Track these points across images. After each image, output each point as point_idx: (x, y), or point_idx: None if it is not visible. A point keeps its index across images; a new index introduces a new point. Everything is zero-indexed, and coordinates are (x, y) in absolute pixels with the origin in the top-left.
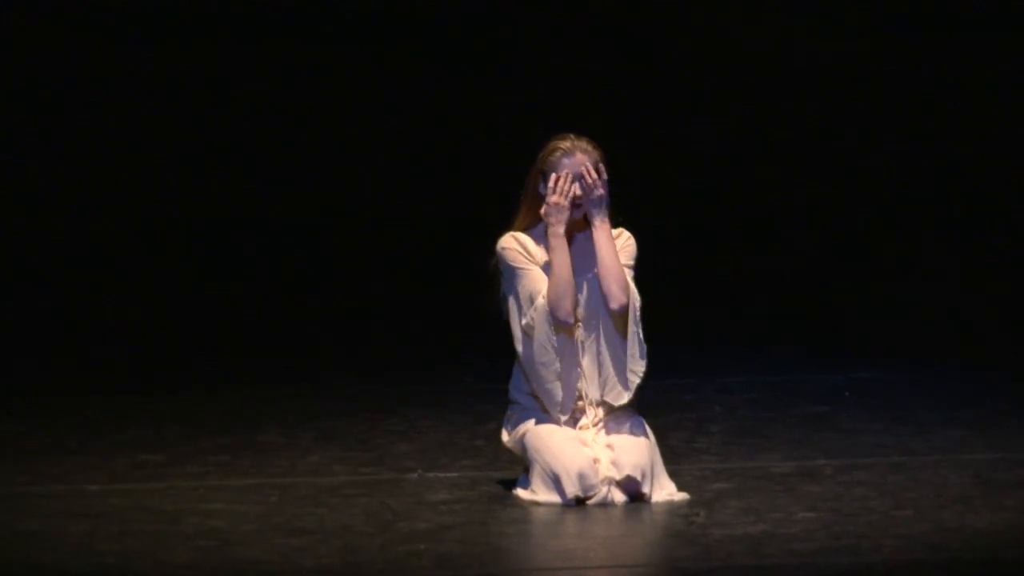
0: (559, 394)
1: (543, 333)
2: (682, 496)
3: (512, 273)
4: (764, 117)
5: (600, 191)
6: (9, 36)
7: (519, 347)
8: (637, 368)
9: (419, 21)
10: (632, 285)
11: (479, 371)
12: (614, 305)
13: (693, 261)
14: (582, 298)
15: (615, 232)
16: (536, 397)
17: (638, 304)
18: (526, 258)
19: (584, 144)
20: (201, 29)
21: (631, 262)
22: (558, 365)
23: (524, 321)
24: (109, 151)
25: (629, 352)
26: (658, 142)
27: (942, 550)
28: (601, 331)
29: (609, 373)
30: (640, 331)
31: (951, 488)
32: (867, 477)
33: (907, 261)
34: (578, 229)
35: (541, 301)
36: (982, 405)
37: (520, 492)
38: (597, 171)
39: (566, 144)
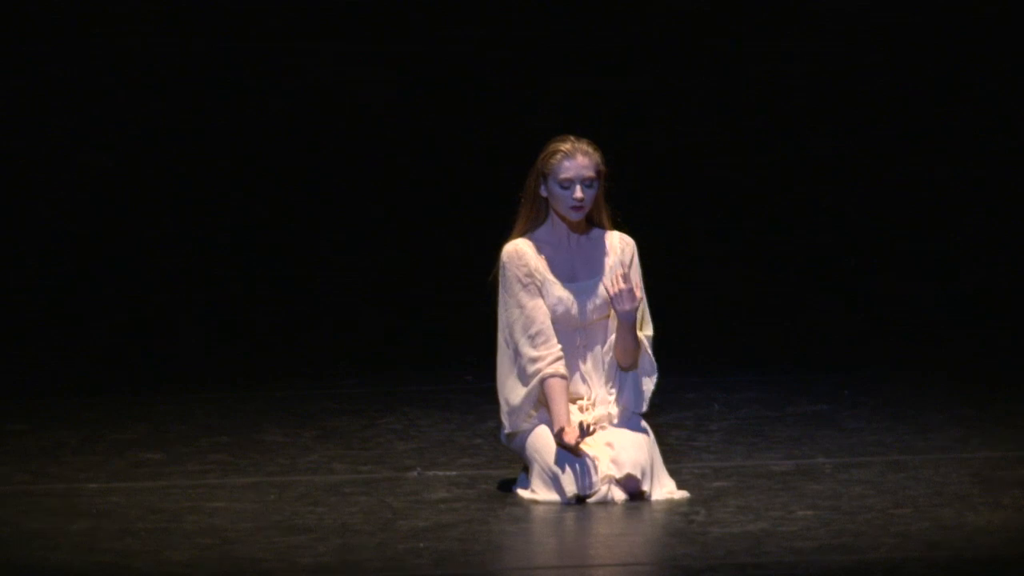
0: (520, 424)
1: (525, 408)
2: (682, 494)
3: (511, 295)
4: (761, 115)
5: (626, 306)
6: (8, 35)
7: (500, 364)
8: (648, 385)
9: (419, 21)
10: (648, 319)
11: (479, 370)
12: (622, 365)
13: (693, 260)
14: (585, 304)
15: (616, 235)
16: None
17: (650, 333)
18: (527, 279)
19: (585, 146)
20: (201, 30)
21: (640, 281)
22: (523, 427)
23: (522, 384)
24: (110, 150)
25: (641, 373)
26: (657, 139)
27: (941, 548)
28: (605, 345)
29: (621, 389)
30: (649, 350)
31: (950, 486)
32: (866, 475)
33: (907, 260)
34: (580, 232)
35: (538, 385)
36: (982, 404)
37: (520, 491)
38: (625, 278)
39: (566, 146)
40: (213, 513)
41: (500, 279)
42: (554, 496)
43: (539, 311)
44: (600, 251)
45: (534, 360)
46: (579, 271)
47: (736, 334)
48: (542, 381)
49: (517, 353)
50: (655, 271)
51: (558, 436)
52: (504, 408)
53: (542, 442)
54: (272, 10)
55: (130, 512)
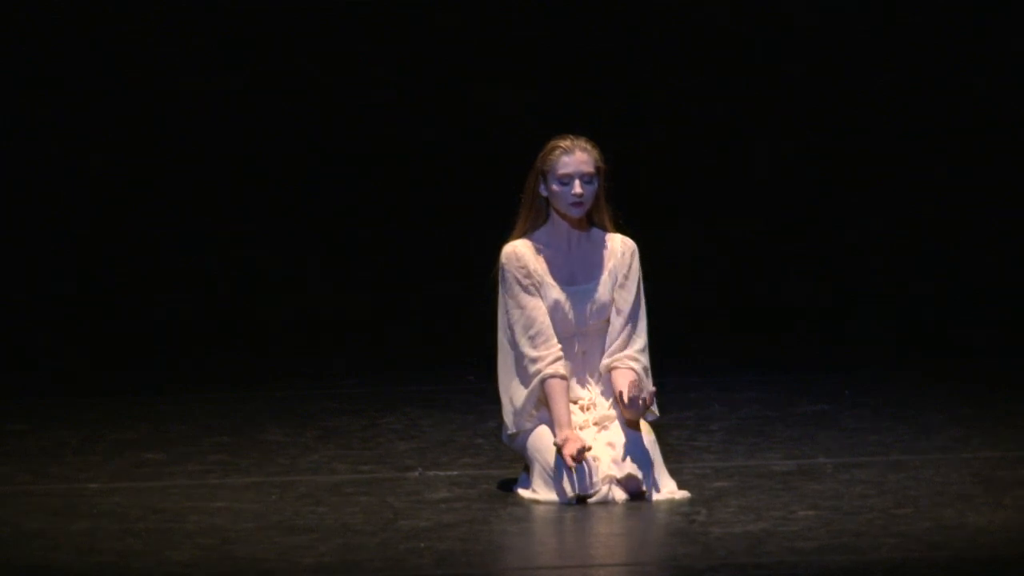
0: (524, 424)
1: (527, 408)
2: (683, 494)
3: (511, 295)
4: (762, 114)
5: (637, 413)
6: (6, 33)
7: (502, 365)
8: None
9: (418, 22)
10: (642, 330)
11: (480, 370)
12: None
13: (694, 259)
14: (582, 308)
15: (617, 237)
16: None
17: (642, 346)
18: (526, 280)
19: (583, 143)
20: (201, 32)
21: (637, 282)
22: (526, 426)
23: (523, 385)
24: (111, 152)
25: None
26: (656, 138)
27: (942, 548)
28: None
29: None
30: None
31: (951, 486)
32: (867, 475)
33: (907, 260)
34: (580, 231)
35: (538, 385)
36: (982, 404)
37: (521, 491)
38: (645, 392)
39: (565, 143)
40: (214, 513)
41: (499, 280)
42: (555, 496)
43: (539, 311)
44: (600, 254)
45: (534, 360)
46: (577, 274)
47: (736, 334)
48: (542, 381)
49: (519, 354)
50: (655, 271)
51: (558, 445)
52: (508, 408)
53: (543, 442)
54: (271, 9)
55: (131, 512)
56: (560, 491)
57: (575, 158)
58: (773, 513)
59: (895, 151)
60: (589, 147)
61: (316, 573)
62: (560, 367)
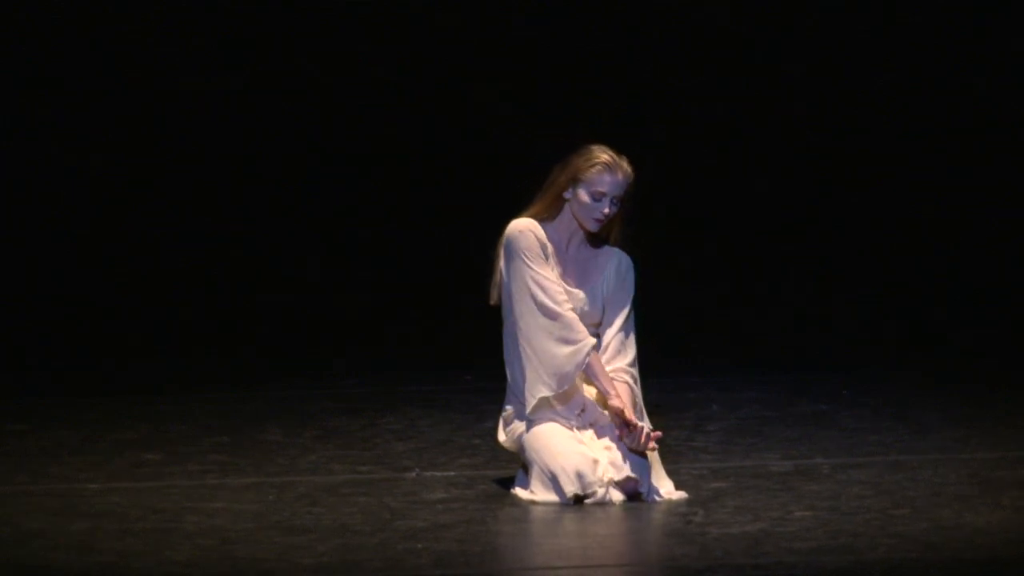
0: (572, 380)
1: (574, 371)
2: (680, 495)
3: (534, 264)
4: (763, 115)
5: (635, 447)
6: (6, 33)
7: (530, 333)
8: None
9: (418, 22)
10: (631, 343)
11: (478, 370)
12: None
13: (694, 260)
14: (584, 311)
15: (615, 251)
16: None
17: (631, 358)
18: (541, 257)
19: (626, 165)
20: (201, 32)
21: (631, 297)
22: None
23: (569, 345)
24: (111, 152)
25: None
26: (658, 137)
27: (940, 549)
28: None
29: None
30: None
31: (949, 487)
32: (865, 476)
33: (907, 260)
34: (585, 235)
35: (587, 352)
36: (982, 404)
37: (518, 491)
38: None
39: (607, 158)
40: (213, 513)
41: (511, 251)
42: (552, 496)
43: (557, 280)
44: (596, 263)
45: (574, 326)
46: (569, 277)
47: (736, 334)
48: (590, 350)
49: (557, 315)
50: (655, 272)
51: (618, 412)
52: (543, 371)
53: (541, 442)
54: (271, 9)
55: (130, 512)
56: (558, 492)
57: (616, 179)
58: (770, 513)
59: (895, 151)
60: (630, 171)
61: (315, 573)
62: None
